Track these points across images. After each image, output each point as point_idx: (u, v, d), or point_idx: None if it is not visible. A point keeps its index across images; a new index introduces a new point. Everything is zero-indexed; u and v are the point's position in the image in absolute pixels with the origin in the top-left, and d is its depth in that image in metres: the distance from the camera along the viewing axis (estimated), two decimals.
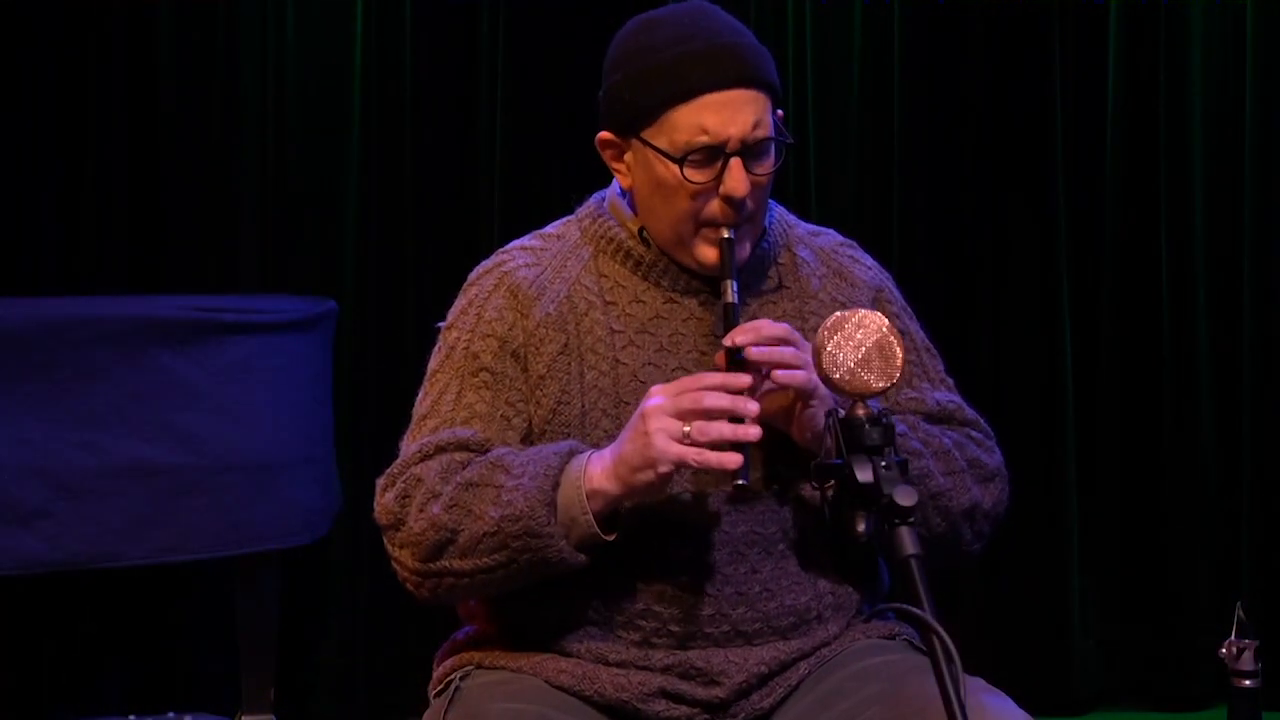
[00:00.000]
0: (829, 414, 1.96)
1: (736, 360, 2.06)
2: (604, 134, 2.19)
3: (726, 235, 2.12)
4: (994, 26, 4.20)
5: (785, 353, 2.05)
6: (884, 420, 1.92)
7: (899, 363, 1.97)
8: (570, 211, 2.29)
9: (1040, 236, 4.20)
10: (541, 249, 2.24)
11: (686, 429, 1.98)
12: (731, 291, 2.12)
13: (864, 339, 1.97)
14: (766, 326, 2.07)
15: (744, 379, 2.02)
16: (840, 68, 4.20)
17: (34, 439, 3.36)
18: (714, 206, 2.12)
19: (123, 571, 3.51)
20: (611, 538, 2.05)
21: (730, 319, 2.10)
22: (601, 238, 2.22)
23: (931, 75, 4.22)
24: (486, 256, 2.27)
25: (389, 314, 4.13)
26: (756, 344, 2.05)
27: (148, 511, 3.41)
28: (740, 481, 1.98)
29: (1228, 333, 4.22)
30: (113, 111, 4.06)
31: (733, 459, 1.97)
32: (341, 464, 3.80)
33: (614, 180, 2.24)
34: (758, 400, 2.03)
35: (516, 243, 2.27)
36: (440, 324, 2.25)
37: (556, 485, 2.04)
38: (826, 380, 1.97)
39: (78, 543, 3.38)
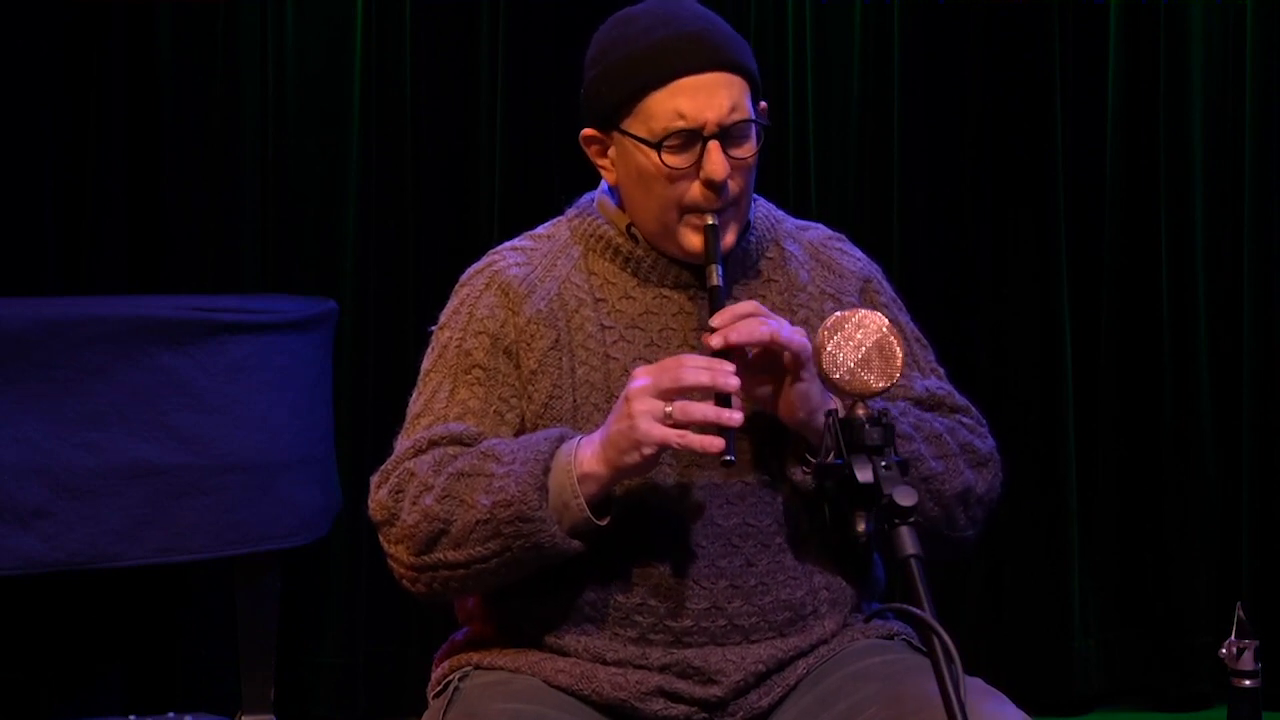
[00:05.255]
0: (829, 413, 1.96)
1: (723, 351, 2.05)
2: (586, 131, 2.22)
3: (710, 222, 2.14)
4: (994, 26, 4.19)
5: (761, 330, 2.04)
6: (884, 420, 1.92)
7: (899, 363, 1.97)
8: (561, 213, 2.30)
9: (1040, 236, 4.19)
10: (532, 249, 2.25)
11: (669, 409, 1.99)
12: (717, 275, 2.12)
13: (864, 339, 1.97)
14: (741, 307, 2.07)
15: (728, 364, 2.02)
16: (840, 68, 4.20)
17: (34, 439, 3.36)
18: (695, 191, 2.13)
19: (123, 571, 3.51)
20: (604, 523, 2.05)
21: (716, 302, 2.11)
22: (590, 236, 2.23)
23: (931, 75, 4.21)
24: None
25: (389, 314, 4.12)
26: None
27: (147, 511, 3.40)
28: (728, 457, 1.97)
29: (1228, 333, 4.22)
30: (113, 111, 4.06)
31: (715, 443, 1.97)
32: (341, 464, 3.80)
33: (603, 180, 2.26)
34: (744, 383, 2.02)
35: (507, 244, 2.29)
36: (432, 327, 2.26)
37: (547, 470, 2.04)
38: (826, 380, 1.97)
39: (77, 543, 3.38)
